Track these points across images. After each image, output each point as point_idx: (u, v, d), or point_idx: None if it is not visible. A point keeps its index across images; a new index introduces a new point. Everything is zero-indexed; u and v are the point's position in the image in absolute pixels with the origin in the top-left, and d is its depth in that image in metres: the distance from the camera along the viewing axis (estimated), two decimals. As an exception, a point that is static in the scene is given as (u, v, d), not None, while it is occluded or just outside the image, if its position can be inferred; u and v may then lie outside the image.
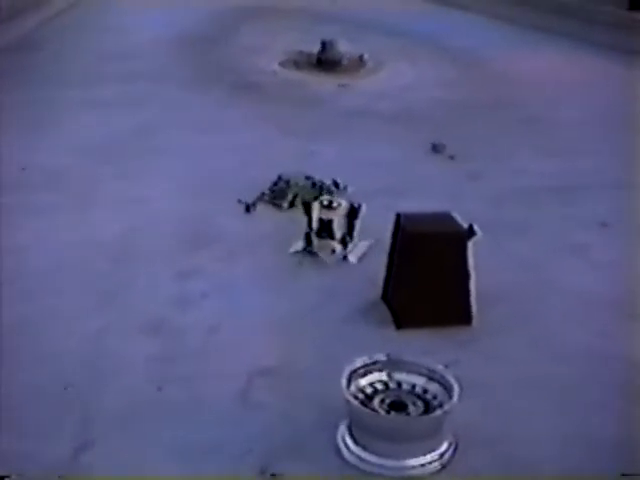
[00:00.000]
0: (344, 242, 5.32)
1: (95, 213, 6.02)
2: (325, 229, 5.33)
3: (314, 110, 8.43)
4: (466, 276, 4.42)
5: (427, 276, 4.43)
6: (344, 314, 4.32)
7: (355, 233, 5.35)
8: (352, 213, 5.33)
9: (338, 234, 5.33)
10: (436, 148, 7.43)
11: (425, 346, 4.19)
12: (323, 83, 9.38)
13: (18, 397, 3.78)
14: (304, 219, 5.34)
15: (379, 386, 3.62)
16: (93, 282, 5.00)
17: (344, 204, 5.40)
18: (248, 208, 6.11)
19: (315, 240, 5.33)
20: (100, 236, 5.64)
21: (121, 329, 4.48)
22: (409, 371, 3.63)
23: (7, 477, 2.55)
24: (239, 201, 6.14)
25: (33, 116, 7.85)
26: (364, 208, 5.30)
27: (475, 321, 4.46)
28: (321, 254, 5.25)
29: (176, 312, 4.66)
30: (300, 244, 5.38)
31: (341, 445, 3.46)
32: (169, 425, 3.62)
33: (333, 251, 5.27)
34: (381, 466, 3.34)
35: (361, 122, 8.09)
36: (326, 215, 5.33)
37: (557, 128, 8.15)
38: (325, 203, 5.40)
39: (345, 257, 5.28)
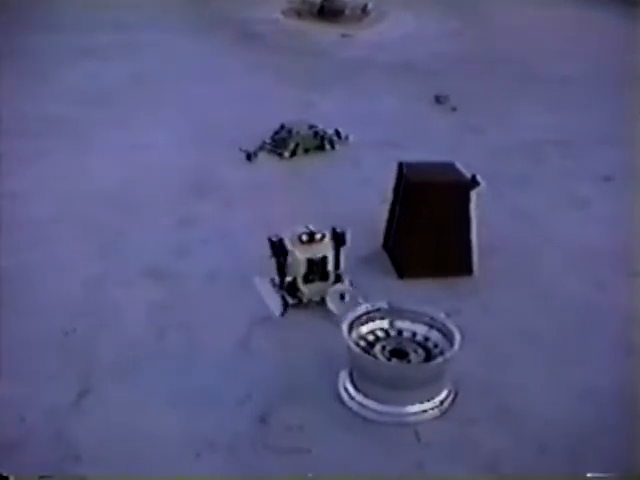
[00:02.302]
0: (341, 279, 4.19)
1: (94, 161, 5.98)
2: (315, 270, 4.12)
3: (316, 60, 8.35)
4: (468, 227, 4.40)
5: (429, 226, 4.40)
6: (345, 263, 4.30)
7: (342, 262, 4.21)
8: (338, 241, 4.19)
9: (332, 272, 4.16)
10: (439, 100, 7.37)
11: (426, 295, 4.18)
12: (325, 33, 9.28)
13: (19, 344, 3.77)
14: (306, 168, 5.25)
15: (380, 334, 3.61)
16: (93, 230, 4.98)
17: (325, 232, 4.19)
18: (249, 157, 6.07)
19: (304, 288, 4.11)
20: (100, 184, 5.60)
21: (121, 276, 4.47)
22: (410, 319, 3.62)
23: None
24: (240, 150, 6.10)
25: (29, 64, 7.78)
26: (349, 234, 4.20)
27: (476, 272, 4.45)
28: (330, 304, 4.06)
29: (176, 260, 4.65)
30: (277, 304, 4.10)
31: (342, 391, 3.46)
32: (168, 372, 3.63)
33: (342, 296, 4.07)
34: (381, 412, 3.34)
35: (363, 73, 8.01)
36: (314, 252, 4.10)
37: (560, 83, 8.07)
38: (305, 238, 4.11)
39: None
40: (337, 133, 6.35)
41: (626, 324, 4.03)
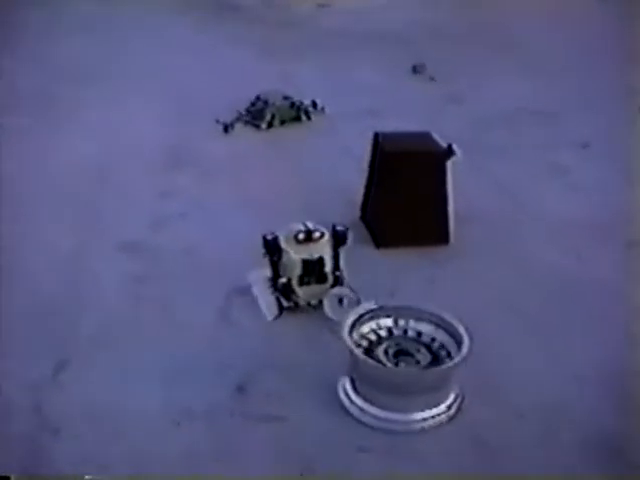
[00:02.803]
0: (340, 281, 3.90)
1: (72, 136, 5.93)
2: (311, 271, 3.86)
3: (293, 31, 8.33)
4: (444, 196, 4.41)
5: (406, 195, 4.41)
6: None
7: (342, 265, 3.93)
8: (338, 241, 3.92)
9: (330, 275, 3.88)
10: (416, 69, 7.36)
11: (403, 264, 4.21)
12: (302, 3, 9.24)
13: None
14: (283, 139, 5.23)
15: (383, 333, 3.40)
16: (71, 203, 4.95)
17: (324, 231, 3.91)
18: (226, 128, 6.06)
19: (299, 290, 3.85)
20: (78, 158, 5.57)
21: (99, 249, 4.46)
22: (415, 318, 3.42)
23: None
24: (217, 121, 6.08)
25: (5, 38, 7.68)
26: (351, 234, 3.95)
27: (453, 241, 4.46)
28: (327, 309, 3.78)
29: (154, 232, 4.63)
30: (273, 305, 3.86)
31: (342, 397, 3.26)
32: (147, 343, 3.62)
33: (341, 300, 3.76)
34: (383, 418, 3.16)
35: (340, 43, 8.01)
36: (310, 252, 3.83)
37: (538, 52, 8.08)
38: (302, 236, 3.84)
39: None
40: (313, 104, 6.34)
41: (602, 293, 4.06)
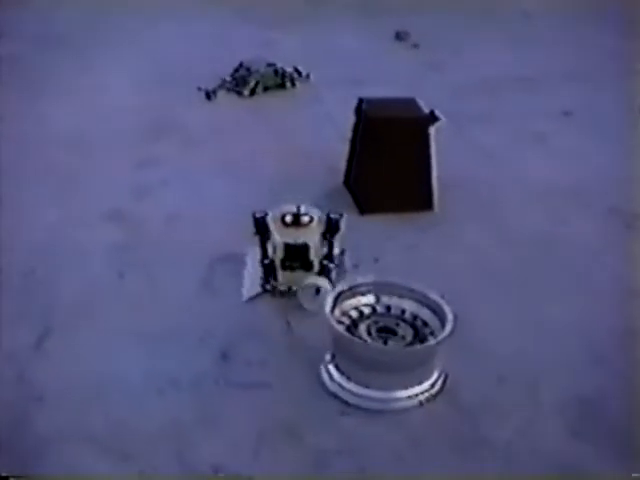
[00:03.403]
0: (326, 271, 3.67)
1: (50, 103, 5.88)
2: (295, 257, 3.66)
3: (275, -2, 8.23)
4: (428, 162, 4.40)
5: (389, 161, 4.38)
6: (307, 200, 4.28)
7: (336, 254, 3.73)
8: (330, 228, 3.68)
9: (316, 264, 3.66)
10: (399, 36, 7.33)
11: (387, 231, 4.21)
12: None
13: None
14: (266, 106, 5.19)
15: (366, 310, 3.33)
16: (51, 173, 4.92)
17: (317, 216, 3.70)
18: (209, 96, 6.01)
19: (280, 275, 3.68)
20: (56, 126, 5.53)
21: (81, 218, 4.42)
22: (399, 295, 3.35)
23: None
24: (199, 89, 6.04)
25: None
26: (345, 219, 3.71)
27: (436, 207, 4.46)
28: (301, 298, 3.59)
29: (136, 201, 4.61)
30: (256, 284, 3.71)
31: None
32: (129, 312, 3.60)
33: (318, 290, 3.54)
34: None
35: (323, 9, 7.95)
36: (295, 237, 3.62)
37: (521, 19, 8.05)
38: (289, 219, 3.65)
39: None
40: (297, 71, 6.30)
41: (586, 259, 4.07)
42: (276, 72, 6.23)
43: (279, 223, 3.66)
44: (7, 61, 6.40)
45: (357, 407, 3.04)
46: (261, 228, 3.67)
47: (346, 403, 3.06)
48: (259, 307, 3.66)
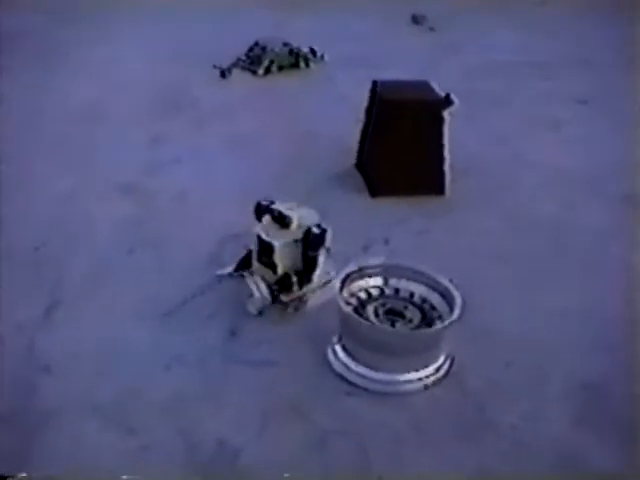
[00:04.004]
0: (285, 284, 3.45)
1: (66, 77, 5.89)
2: (262, 252, 3.50)
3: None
4: (441, 146, 4.38)
5: (402, 144, 4.37)
6: (318, 181, 4.29)
7: (316, 276, 3.50)
8: (311, 241, 3.44)
9: (280, 268, 3.46)
10: (416, 19, 7.29)
11: (398, 214, 4.20)
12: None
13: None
14: (280, 86, 5.17)
15: (374, 292, 3.32)
16: (64, 146, 4.94)
17: (296, 221, 3.46)
18: (223, 74, 6.01)
19: (255, 264, 3.56)
20: (72, 100, 5.54)
21: (92, 192, 4.44)
22: (408, 278, 3.32)
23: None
24: (214, 67, 6.03)
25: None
26: (330, 234, 3.45)
27: (448, 192, 4.45)
28: (251, 286, 3.48)
29: (148, 177, 4.62)
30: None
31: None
32: (138, 286, 3.60)
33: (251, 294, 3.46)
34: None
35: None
36: (267, 233, 3.46)
37: (538, 6, 8.00)
38: (276, 214, 3.50)
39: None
40: (312, 51, 6.28)
41: (597, 246, 4.05)
42: (291, 52, 6.21)
43: (269, 215, 3.56)
44: (24, 35, 6.40)
45: (362, 388, 3.04)
46: (257, 215, 3.59)
47: (351, 384, 3.06)
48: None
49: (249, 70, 6.10)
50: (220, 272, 3.68)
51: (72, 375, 3.06)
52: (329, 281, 3.50)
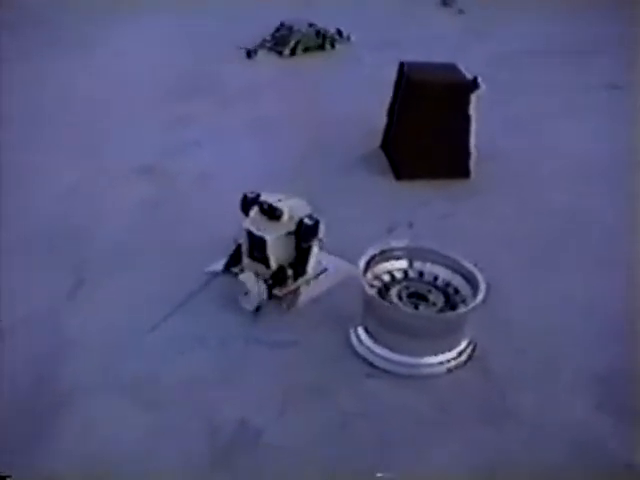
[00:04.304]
0: (280, 278, 3.36)
1: (87, 58, 5.89)
2: (252, 246, 3.40)
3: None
4: (467, 129, 4.34)
5: (428, 126, 4.34)
6: (342, 163, 4.27)
7: (310, 267, 3.42)
8: (304, 232, 3.36)
9: (273, 262, 3.35)
10: (445, 2, 7.22)
11: (422, 197, 4.17)
12: None
13: (16, 239, 3.77)
14: (306, 67, 5.14)
15: (398, 275, 3.29)
16: (87, 128, 4.95)
17: (287, 213, 3.35)
18: (249, 54, 5.99)
19: (246, 260, 3.45)
20: (97, 81, 5.54)
21: (114, 174, 4.45)
22: (432, 261, 3.29)
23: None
24: (239, 47, 6.00)
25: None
26: (323, 228, 3.37)
27: (472, 176, 4.41)
28: (246, 283, 3.31)
29: (170, 158, 4.62)
30: (220, 263, 3.52)
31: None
32: (159, 267, 3.60)
33: (246, 292, 3.32)
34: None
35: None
36: (258, 227, 3.35)
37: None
38: (265, 206, 3.39)
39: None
40: (339, 32, 6.24)
41: (617, 236, 3.99)
42: (317, 33, 6.18)
43: (257, 208, 3.44)
44: (40, 18, 6.40)
45: (384, 371, 3.03)
46: (243, 208, 3.50)
47: (373, 366, 3.05)
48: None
49: (275, 51, 6.08)
50: (210, 269, 3.57)
51: (94, 353, 3.07)
52: (323, 272, 3.47)
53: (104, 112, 5.14)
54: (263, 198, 3.42)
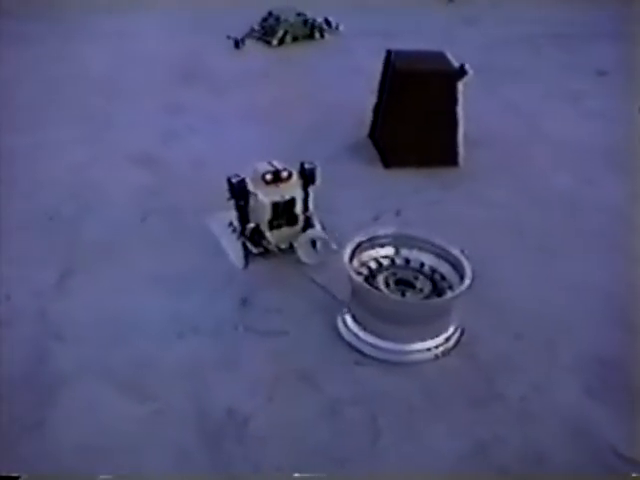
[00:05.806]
0: (309, 222, 3.61)
1: (83, 47, 5.89)
2: (281, 214, 3.55)
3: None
4: (455, 117, 4.35)
5: (416, 115, 4.35)
6: (331, 152, 4.27)
7: (311, 204, 3.64)
8: (310, 173, 3.59)
9: (300, 215, 3.60)
10: (434, -10, 7.22)
11: (410, 185, 4.19)
12: None
13: (7, 226, 3.78)
14: (294, 56, 5.15)
15: (385, 262, 3.31)
16: (81, 114, 4.96)
17: (292, 170, 3.57)
18: (237, 44, 5.98)
19: (270, 235, 3.57)
20: (88, 70, 5.55)
21: (108, 161, 4.46)
22: (418, 248, 3.31)
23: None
24: (228, 37, 6.00)
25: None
26: (319, 171, 3.60)
27: (461, 163, 4.42)
28: (300, 253, 3.54)
29: (163, 145, 4.63)
30: (239, 255, 3.60)
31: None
32: (151, 255, 3.61)
33: (314, 244, 3.53)
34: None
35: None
36: (280, 194, 3.50)
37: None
38: (269, 177, 3.51)
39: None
40: (327, 22, 6.23)
41: (611, 220, 4.02)
42: (305, 22, 6.16)
43: (260, 183, 3.51)
44: (42, 4, 6.39)
45: (372, 358, 3.05)
46: (238, 193, 3.53)
47: (361, 353, 3.07)
48: (280, 256, 3.66)
49: (263, 40, 6.07)
50: (239, 265, 3.58)
51: (85, 341, 3.08)
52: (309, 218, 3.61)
53: (98, 99, 5.16)
54: (253, 174, 3.53)
